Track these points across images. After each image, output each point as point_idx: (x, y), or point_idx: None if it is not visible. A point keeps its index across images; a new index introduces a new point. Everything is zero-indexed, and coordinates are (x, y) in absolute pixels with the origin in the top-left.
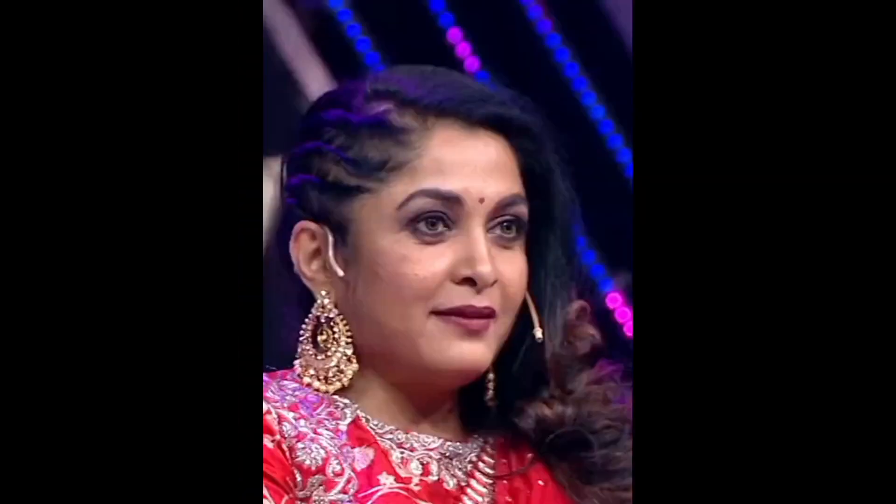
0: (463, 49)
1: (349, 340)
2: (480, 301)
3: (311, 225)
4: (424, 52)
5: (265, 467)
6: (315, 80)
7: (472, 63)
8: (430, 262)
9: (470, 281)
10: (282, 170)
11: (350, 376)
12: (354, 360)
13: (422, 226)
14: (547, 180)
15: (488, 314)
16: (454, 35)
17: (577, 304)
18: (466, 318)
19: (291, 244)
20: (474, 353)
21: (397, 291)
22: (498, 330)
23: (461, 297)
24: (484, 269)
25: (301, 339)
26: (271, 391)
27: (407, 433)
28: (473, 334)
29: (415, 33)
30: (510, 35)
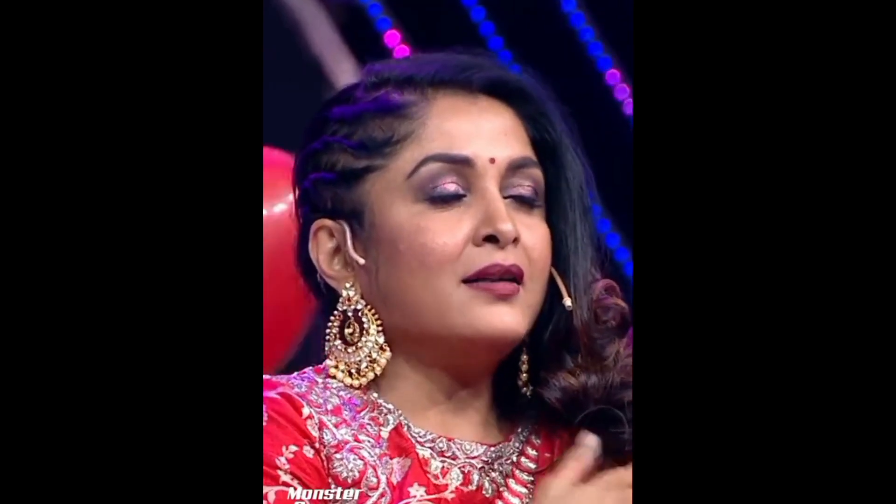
0: (495, 43)
1: (379, 328)
2: (506, 258)
3: (327, 222)
4: (456, 45)
5: (303, 476)
6: (345, 74)
7: (504, 56)
8: (449, 227)
9: (492, 239)
10: (294, 182)
11: (383, 364)
12: (387, 348)
13: (436, 194)
14: (555, 148)
15: (516, 272)
16: (486, 29)
17: (603, 282)
18: (494, 283)
19: (310, 246)
20: (505, 317)
21: (421, 262)
22: (527, 298)
23: (485, 256)
24: (504, 225)
25: (328, 336)
26: (315, 393)
27: (449, 441)
28: (503, 299)
29: (446, 26)
30: (543, 29)
